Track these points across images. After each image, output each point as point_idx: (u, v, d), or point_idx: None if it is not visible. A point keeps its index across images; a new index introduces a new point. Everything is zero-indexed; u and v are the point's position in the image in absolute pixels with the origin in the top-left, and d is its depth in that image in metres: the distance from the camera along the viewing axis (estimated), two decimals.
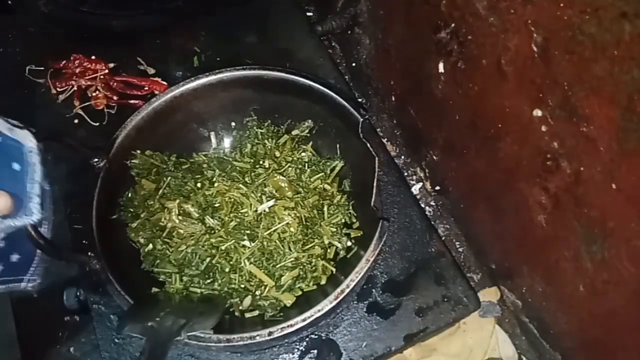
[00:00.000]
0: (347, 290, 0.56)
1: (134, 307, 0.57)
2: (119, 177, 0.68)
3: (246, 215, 0.67)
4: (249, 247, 0.65)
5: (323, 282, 0.65)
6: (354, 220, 0.70)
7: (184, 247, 0.65)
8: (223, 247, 0.65)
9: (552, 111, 0.50)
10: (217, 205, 0.68)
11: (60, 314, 0.66)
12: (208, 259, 0.65)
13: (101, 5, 0.89)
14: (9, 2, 0.90)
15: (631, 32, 0.38)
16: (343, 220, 0.70)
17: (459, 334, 0.71)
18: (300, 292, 0.65)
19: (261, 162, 0.72)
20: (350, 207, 0.70)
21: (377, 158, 0.61)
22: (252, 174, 0.71)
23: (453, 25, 0.61)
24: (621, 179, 0.45)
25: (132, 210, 0.68)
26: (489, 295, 0.74)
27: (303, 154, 0.74)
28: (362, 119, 0.64)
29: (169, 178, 0.70)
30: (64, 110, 0.80)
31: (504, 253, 0.71)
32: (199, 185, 0.70)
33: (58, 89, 0.81)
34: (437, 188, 0.83)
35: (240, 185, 0.69)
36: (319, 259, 0.66)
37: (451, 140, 0.73)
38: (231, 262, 0.65)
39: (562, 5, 0.44)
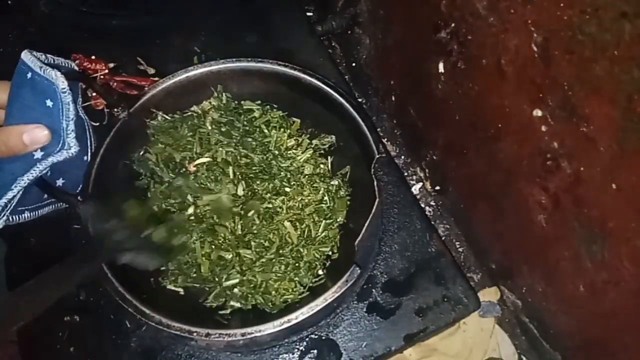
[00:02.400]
0: (294, 321, 0.56)
1: (104, 200, 0.57)
2: (134, 132, 0.68)
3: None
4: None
5: None
6: (335, 250, 0.68)
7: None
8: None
9: (552, 111, 0.50)
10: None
11: (60, 314, 0.66)
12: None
13: (101, 5, 0.89)
14: (9, 2, 0.90)
15: (631, 32, 0.38)
16: (329, 252, 0.68)
17: (459, 334, 0.71)
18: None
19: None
20: (338, 236, 0.69)
21: (377, 199, 0.60)
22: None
23: (453, 25, 0.61)
24: (621, 179, 0.45)
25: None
26: (489, 295, 0.74)
27: (322, 165, 0.73)
28: (377, 156, 0.63)
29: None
30: None
31: (504, 253, 0.71)
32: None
33: None
34: (437, 188, 0.83)
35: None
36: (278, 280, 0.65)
37: (451, 140, 0.73)
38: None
39: (562, 5, 0.44)
